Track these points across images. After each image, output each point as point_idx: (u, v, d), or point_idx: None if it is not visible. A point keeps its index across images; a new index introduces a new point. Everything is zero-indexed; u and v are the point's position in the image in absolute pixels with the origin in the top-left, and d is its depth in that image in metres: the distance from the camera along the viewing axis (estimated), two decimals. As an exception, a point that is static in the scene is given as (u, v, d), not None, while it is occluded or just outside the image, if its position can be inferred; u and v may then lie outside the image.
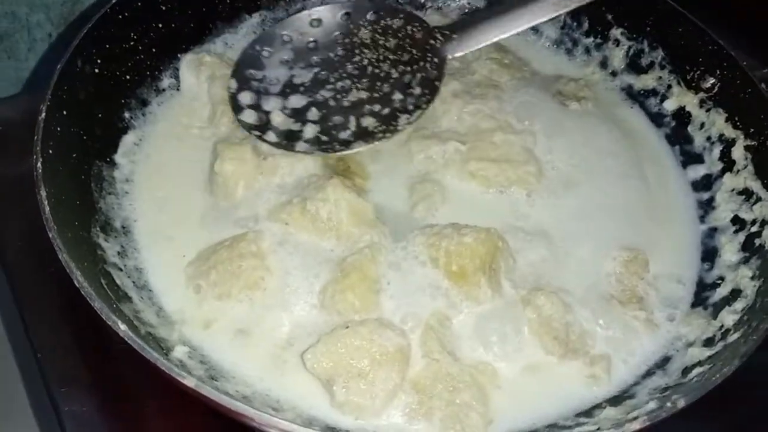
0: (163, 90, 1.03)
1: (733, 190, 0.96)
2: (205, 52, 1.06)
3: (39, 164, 0.76)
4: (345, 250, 0.85)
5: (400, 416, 0.76)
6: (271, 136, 0.93)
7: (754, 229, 0.91)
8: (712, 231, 0.96)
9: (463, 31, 0.99)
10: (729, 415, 0.89)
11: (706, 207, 0.99)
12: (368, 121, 0.94)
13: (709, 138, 1.02)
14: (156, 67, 1.02)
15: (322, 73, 0.99)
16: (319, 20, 1.03)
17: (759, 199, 0.92)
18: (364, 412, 0.74)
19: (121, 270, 0.82)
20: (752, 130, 0.95)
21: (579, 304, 0.85)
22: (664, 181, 1.03)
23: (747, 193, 0.94)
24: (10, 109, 1.10)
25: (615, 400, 0.78)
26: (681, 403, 0.66)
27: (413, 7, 1.21)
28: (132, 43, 0.98)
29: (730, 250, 0.92)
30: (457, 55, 0.98)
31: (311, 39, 1.02)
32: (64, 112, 0.84)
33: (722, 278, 0.90)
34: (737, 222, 0.94)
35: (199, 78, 1.04)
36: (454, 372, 0.77)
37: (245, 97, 0.97)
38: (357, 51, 1.00)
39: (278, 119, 0.95)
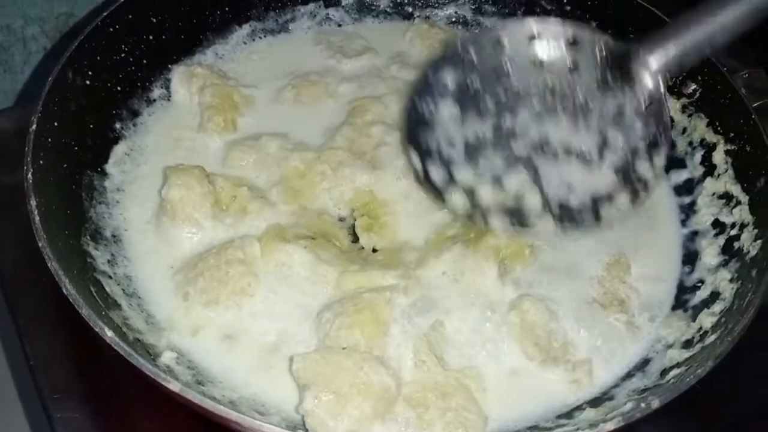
0: (154, 101, 1.04)
1: (713, 194, 0.98)
2: (196, 64, 1.08)
3: (29, 174, 0.78)
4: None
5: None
6: (496, 221, 0.82)
7: (733, 232, 0.92)
8: (693, 234, 0.97)
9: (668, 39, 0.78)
10: (719, 418, 0.90)
11: (688, 211, 1.00)
12: (603, 179, 0.80)
13: (690, 143, 1.03)
14: (147, 78, 1.04)
15: (505, 119, 0.84)
16: (467, 56, 0.84)
17: (738, 203, 0.93)
18: (323, 428, 0.72)
19: (110, 278, 0.84)
20: (732, 134, 0.96)
21: (564, 311, 0.86)
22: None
23: (727, 197, 0.95)
24: (5, 120, 1.12)
25: (595, 402, 0.80)
26: (655, 404, 0.67)
27: (401, 17, 1.23)
28: (123, 55, 1.00)
29: (710, 253, 0.93)
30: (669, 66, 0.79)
31: (473, 76, 0.84)
32: (56, 123, 0.85)
33: (702, 281, 0.91)
34: (717, 225, 0.95)
35: (191, 89, 1.05)
36: (440, 379, 0.78)
37: (437, 174, 0.84)
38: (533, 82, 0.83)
39: (488, 196, 0.83)
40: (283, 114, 1.05)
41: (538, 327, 0.83)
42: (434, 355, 0.80)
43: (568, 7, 1.16)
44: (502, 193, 0.83)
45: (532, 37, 0.83)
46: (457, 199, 0.83)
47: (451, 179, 0.84)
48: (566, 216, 0.82)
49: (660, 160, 0.81)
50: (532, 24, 0.83)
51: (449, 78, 0.84)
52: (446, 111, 0.85)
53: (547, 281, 0.89)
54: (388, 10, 1.23)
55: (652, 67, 0.79)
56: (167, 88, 1.06)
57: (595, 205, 0.81)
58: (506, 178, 0.83)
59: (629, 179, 0.81)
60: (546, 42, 0.83)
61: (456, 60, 0.84)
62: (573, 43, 0.82)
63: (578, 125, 0.82)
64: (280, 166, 0.97)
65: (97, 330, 0.68)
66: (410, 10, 1.24)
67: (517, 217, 0.82)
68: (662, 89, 0.79)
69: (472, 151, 0.84)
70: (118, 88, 0.99)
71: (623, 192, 0.81)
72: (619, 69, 0.81)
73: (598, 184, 0.82)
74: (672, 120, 1.05)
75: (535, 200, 0.82)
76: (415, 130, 0.85)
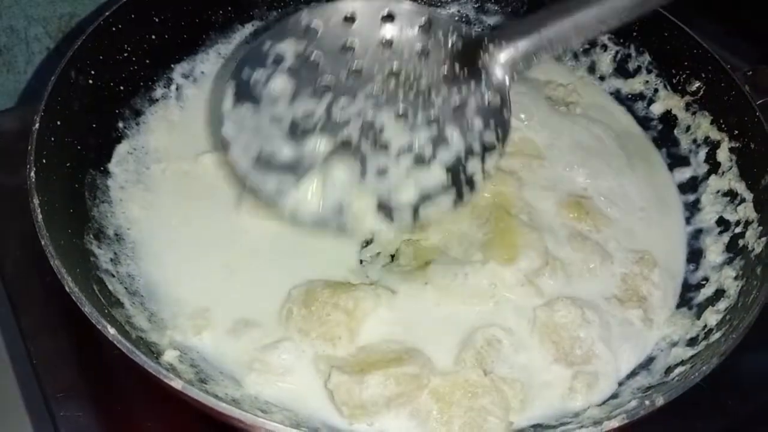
0: (157, 100, 1.04)
1: (718, 191, 0.98)
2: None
3: (32, 173, 0.78)
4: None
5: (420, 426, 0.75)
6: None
7: (738, 230, 0.92)
8: (698, 232, 0.97)
9: (515, 38, 0.75)
10: (723, 416, 0.89)
11: (692, 209, 1.00)
12: (432, 177, 0.75)
13: (695, 140, 1.03)
14: (149, 77, 1.04)
15: (339, 102, 0.76)
16: (310, 28, 0.77)
17: (743, 200, 0.93)
18: (349, 395, 0.73)
19: (113, 276, 0.83)
20: (736, 132, 0.96)
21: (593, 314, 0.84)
22: (655, 184, 1.04)
23: (731, 195, 0.95)
24: (8, 120, 1.12)
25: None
26: (660, 402, 0.67)
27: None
28: (126, 55, 0.99)
29: (714, 251, 0.93)
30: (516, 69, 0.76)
31: (312, 55, 0.77)
32: (58, 123, 0.85)
33: (707, 279, 0.91)
34: (722, 223, 0.95)
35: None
36: (473, 378, 0.77)
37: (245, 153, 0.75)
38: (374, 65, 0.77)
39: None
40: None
41: (563, 329, 0.82)
42: (478, 366, 0.79)
43: (572, 5, 1.16)
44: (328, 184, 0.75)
45: (384, 16, 0.77)
46: (269, 184, 0.75)
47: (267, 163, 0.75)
48: (385, 212, 0.75)
49: (492, 161, 0.76)
50: (386, 2, 0.77)
51: (288, 49, 0.77)
52: (278, 84, 0.76)
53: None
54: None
55: (500, 62, 0.75)
56: (169, 87, 1.06)
57: (417, 205, 0.76)
58: (333, 167, 0.75)
59: (458, 179, 0.76)
60: (398, 23, 0.77)
61: (298, 30, 0.77)
62: (427, 28, 0.77)
63: (417, 116, 0.76)
64: None
65: (99, 328, 0.68)
66: (412, 9, 1.24)
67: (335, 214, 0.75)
68: (507, 85, 0.76)
69: (298, 133, 0.75)
70: (121, 88, 0.99)
71: (449, 192, 0.76)
72: (467, 60, 0.76)
73: (426, 182, 0.76)
74: (676, 118, 1.06)
75: (364, 202, 0.76)
76: (241, 101, 0.76)
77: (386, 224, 0.75)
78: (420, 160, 0.76)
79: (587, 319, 0.83)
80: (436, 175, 0.76)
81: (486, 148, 0.76)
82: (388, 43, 0.77)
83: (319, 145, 0.75)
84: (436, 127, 0.76)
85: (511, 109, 0.76)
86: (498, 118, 0.76)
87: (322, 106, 0.76)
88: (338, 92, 0.76)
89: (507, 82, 0.76)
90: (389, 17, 0.77)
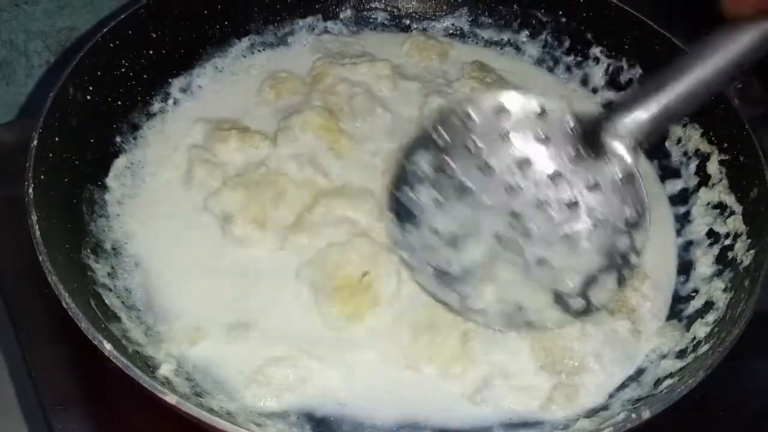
0: (154, 114, 1.05)
1: (708, 203, 0.98)
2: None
3: (30, 189, 0.79)
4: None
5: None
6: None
7: (727, 242, 0.92)
8: (688, 244, 0.97)
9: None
10: (714, 428, 0.90)
11: (683, 221, 1.00)
12: (587, 262, 0.77)
13: (685, 153, 1.04)
14: (147, 92, 1.05)
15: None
16: (449, 124, 0.81)
17: (732, 213, 0.94)
18: None
19: (110, 290, 0.84)
20: (726, 144, 0.97)
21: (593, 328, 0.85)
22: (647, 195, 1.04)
23: (721, 207, 0.96)
24: (8, 133, 1.13)
25: (590, 412, 0.80)
26: (646, 414, 0.67)
27: (398, 29, 1.24)
28: (123, 70, 1.01)
29: (704, 263, 0.93)
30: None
31: (446, 157, 0.81)
32: (56, 138, 0.86)
33: (696, 291, 0.91)
34: (712, 235, 0.95)
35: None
36: None
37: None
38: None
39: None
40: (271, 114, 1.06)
41: (558, 338, 0.83)
42: None
43: (564, 19, 1.17)
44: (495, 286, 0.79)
45: (499, 110, 0.80)
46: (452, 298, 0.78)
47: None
48: (562, 305, 0.77)
49: (641, 238, 0.76)
50: (499, 96, 0.80)
51: (423, 163, 0.81)
52: (425, 196, 0.81)
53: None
54: (385, 22, 1.24)
55: (622, 137, 0.74)
56: (167, 101, 1.07)
57: (585, 291, 0.77)
58: (498, 269, 0.79)
59: (614, 260, 0.77)
60: (513, 112, 0.79)
61: (427, 142, 0.81)
62: (541, 114, 0.79)
63: (556, 201, 0.78)
64: None
65: (96, 343, 0.69)
66: (407, 22, 1.25)
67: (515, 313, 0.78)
68: (631, 162, 0.74)
69: (458, 240, 0.80)
70: (119, 103, 1.00)
71: (610, 273, 0.77)
72: (590, 140, 0.76)
73: (584, 265, 0.78)
74: (666, 130, 1.06)
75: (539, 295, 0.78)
76: (402, 224, 0.81)
77: (566, 316, 0.77)
78: (571, 244, 0.78)
79: (586, 332, 0.84)
80: (591, 257, 0.78)
81: (630, 225, 0.76)
82: (508, 135, 0.80)
83: (477, 247, 0.79)
84: (577, 209, 0.78)
85: (643, 185, 0.76)
86: (633, 194, 0.76)
87: (469, 207, 0.80)
88: (479, 190, 0.80)
89: (631, 159, 0.74)
90: (504, 110, 0.80)
